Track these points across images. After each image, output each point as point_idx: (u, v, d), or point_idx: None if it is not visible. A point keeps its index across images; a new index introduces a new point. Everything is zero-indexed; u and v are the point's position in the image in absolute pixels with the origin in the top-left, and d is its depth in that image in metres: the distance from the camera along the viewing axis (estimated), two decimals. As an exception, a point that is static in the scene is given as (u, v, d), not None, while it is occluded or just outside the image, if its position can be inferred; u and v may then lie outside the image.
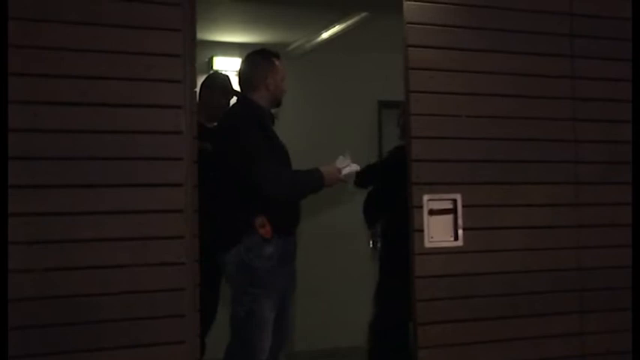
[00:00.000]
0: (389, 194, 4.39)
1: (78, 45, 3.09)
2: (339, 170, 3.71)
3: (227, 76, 4.55)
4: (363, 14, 5.75)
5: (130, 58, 3.18)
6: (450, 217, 3.70)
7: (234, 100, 4.11)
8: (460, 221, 3.69)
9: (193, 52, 3.34)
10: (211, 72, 4.74)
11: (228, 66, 4.11)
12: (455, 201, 3.69)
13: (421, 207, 3.63)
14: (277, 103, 3.84)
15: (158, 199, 3.18)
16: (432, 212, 3.65)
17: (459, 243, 3.70)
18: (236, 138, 3.58)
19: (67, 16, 3.09)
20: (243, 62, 3.88)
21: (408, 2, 3.67)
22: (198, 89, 4.14)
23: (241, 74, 3.83)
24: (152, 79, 3.20)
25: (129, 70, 3.17)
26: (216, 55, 6.38)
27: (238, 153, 3.56)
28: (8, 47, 2.92)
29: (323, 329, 6.12)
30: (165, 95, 3.22)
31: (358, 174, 3.83)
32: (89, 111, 3.10)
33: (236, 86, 3.95)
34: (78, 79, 3.09)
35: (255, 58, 3.82)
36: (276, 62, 3.79)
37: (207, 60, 6.37)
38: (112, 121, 3.13)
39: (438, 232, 3.68)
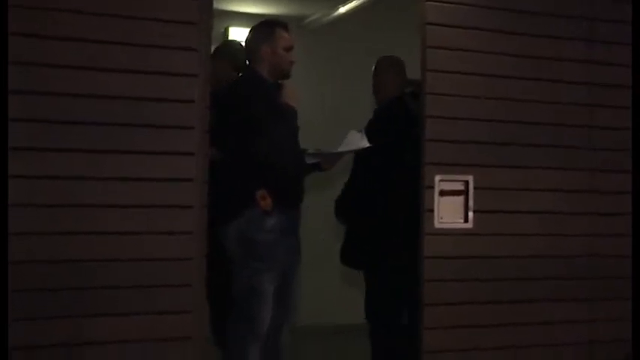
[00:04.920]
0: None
1: (90, 9, 3.07)
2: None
3: (240, 47, 4.45)
4: (382, -11, 5.71)
5: (145, 24, 3.16)
6: (460, 199, 3.69)
7: None
8: (471, 203, 3.69)
9: (210, 20, 3.33)
10: (225, 40, 4.66)
11: (244, 37, 4.10)
12: (467, 182, 3.68)
13: (432, 187, 3.62)
14: (283, 75, 3.77)
15: (169, 167, 3.18)
16: (442, 193, 3.64)
17: (469, 225, 3.70)
18: (238, 107, 3.58)
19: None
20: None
21: (428, -21, 3.63)
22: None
23: (245, 44, 3.84)
24: (167, 46, 3.18)
25: (143, 37, 3.15)
26: (232, 25, 6.35)
27: (240, 119, 3.55)
28: (8, 7, 2.85)
29: (328, 306, 6.14)
30: (179, 63, 3.20)
31: None
32: (101, 76, 3.08)
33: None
34: (89, 42, 3.07)
35: (255, 27, 3.83)
36: (278, 31, 3.73)
37: (222, 30, 6.34)
38: (125, 87, 3.12)
39: (448, 213, 3.68)
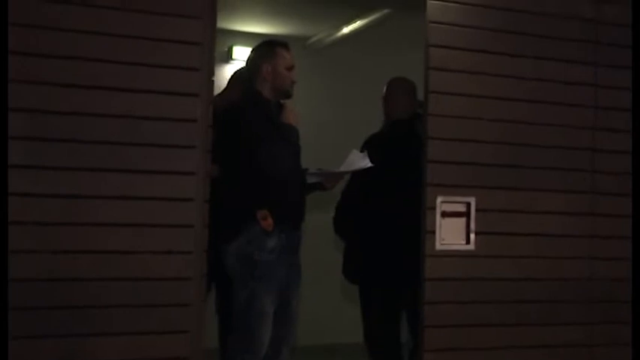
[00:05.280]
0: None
1: (93, 28, 3.08)
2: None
3: None
4: (385, 11, 5.74)
5: (148, 43, 3.17)
6: (462, 221, 3.68)
7: None
8: (473, 225, 3.67)
9: (213, 40, 3.34)
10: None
11: (247, 56, 4.16)
12: (468, 204, 3.66)
13: (434, 209, 3.60)
14: (284, 94, 3.78)
15: (170, 186, 3.18)
16: (444, 214, 3.63)
17: (471, 247, 3.68)
18: (240, 126, 3.60)
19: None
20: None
21: (432, 1, 3.65)
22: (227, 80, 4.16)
23: (246, 63, 3.88)
24: (170, 65, 3.18)
25: (146, 56, 3.16)
26: (236, 44, 6.38)
27: (241, 138, 3.57)
28: (8, 25, 2.87)
29: (330, 325, 6.12)
30: (182, 83, 3.21)
31: None
32: (103, 95, 3.09)
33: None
34: (92, 61, 3.08)
35: (256, 47, 3.86)
36: (279, 50, 3.75)
37: (226, 49, 6.37)
38: (127, 106, 3.13)
39: (450, 234, 3.66)
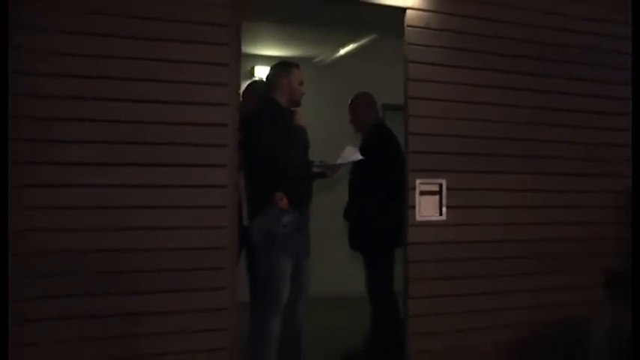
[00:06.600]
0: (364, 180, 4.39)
1: (154, 55, 3.24)
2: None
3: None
4: (373, 36, 5.79)
5: (187, 66, 3.32)
6: (436, 198, 3.81)
7: None
8: (444, 201, 3.81)
9: (239, 62, 3.52)
10: (254, 79, 4.71)
11: (267, 74, 4.24)
12: (441, 185, 3.80)
13: (414, 189, 3.76)
14: (296, 103, 3.91)
15: (208, 176, 3.35)
16: (422, 193, 3.78)
17: (443, 218, 3.82)
18: (262, 128, 3.71)
19: (135, 32, 3.22)
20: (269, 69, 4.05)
21: (409, 28, 3.81)
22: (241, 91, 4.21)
23: (266, 79, 3.97)
24: (205, 82, 3.35)
25: (187, 76, 3.31)
26: (257, 65, 6.45)
27: (262, 140, 3.68)
28: (74, 55, 3.06)
29: (337, 277, 6.13)
30: (215, 96, 3.36)
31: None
32: (150, 107, 3.23)
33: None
34: (154, 82, 3.24)
35: (274, 66, 4.00)
36: (292, 69, 3.90)
37: (249, 69, 6.43)
38: (174, 115, 3.28)
39: (427, 208, 3.79)
